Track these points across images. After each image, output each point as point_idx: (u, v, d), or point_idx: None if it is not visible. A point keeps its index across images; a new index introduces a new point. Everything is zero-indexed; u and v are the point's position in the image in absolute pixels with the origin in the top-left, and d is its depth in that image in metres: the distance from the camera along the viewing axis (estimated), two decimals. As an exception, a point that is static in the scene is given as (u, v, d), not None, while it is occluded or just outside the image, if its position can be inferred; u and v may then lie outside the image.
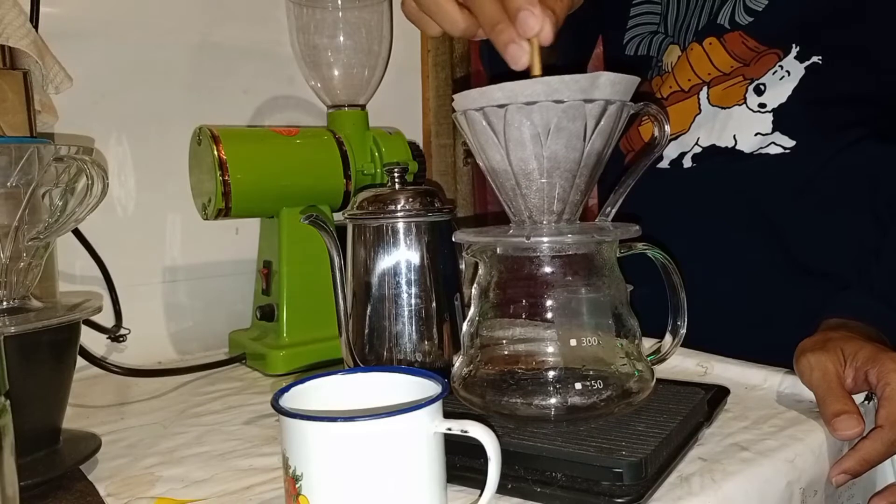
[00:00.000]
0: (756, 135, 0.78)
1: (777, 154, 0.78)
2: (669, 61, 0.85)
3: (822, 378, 0.59)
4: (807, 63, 0.76)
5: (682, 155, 0.84)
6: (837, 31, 0.75)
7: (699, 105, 0.82)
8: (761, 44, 0.77)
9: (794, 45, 0.76)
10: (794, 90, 0.77)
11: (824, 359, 0.60)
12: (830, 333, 0.64)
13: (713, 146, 0.81)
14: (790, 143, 0.77)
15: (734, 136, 0.80)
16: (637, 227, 0.53)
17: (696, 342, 0.67)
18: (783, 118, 0.77)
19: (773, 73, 0.77)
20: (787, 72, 0.77)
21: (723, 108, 0.80)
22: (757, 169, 0.78)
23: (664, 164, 0.85)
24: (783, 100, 0.77)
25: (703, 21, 0.81)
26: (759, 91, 0.78)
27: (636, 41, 0.89)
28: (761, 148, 0.78)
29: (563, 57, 0.87)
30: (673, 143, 0.84)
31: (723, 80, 0.80)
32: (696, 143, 0.83)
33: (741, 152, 0.79)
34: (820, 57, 0.76)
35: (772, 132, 0.78)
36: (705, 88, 0.81)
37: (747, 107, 0.79)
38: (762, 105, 0.78)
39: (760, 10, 0.76)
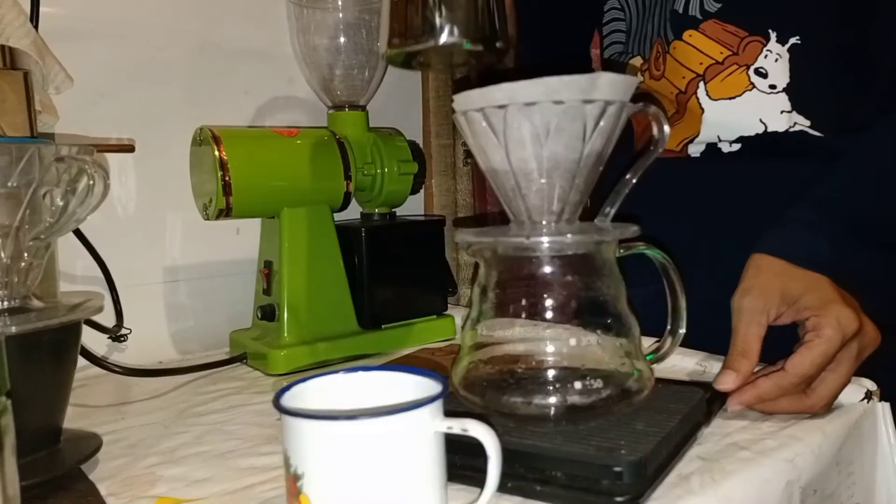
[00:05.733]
0: (782, 112, 0.77)
1: (803, 132, 0.76)
2: (654, 64, 0.85)
3: (743, 335, 0.61)
4: (787, 46, 0.76)
5: (713, 147, 0.82)
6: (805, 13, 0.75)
7: (700, 104, 0.81)
8: (740, 28, 0.77)
9: (770, 31, 0.76)
10: (791, 70, 0.76)
11: (757, 308, 0.61)
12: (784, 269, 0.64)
13: (741, 138, 0.79)
14: (805, 122, 0.76)
15: (761, 120, 0.78)
16: (636, 227, 0.53)
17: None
18: (795, 96, 0.76)
19: (766, 58, 0.77)
20: (778, 55, 0.76)
21: (731, 98, 0.79)
22: (797, 146, 0.76)
23: (697, 156, 0.83)
24: (788, 80, 0.76)
25: (663, 20, 0.81)
26: (761, 74, 0.77)
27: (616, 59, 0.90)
28: (790, 128, 0.77)
29: (553, 52, 0.87)
30: (691, 145, 0.83)
31: (718, 69, 0.79)
32: (721, 140, 0.81)
33: (776, 132, 0.78)
34: (798, 38, 0.75)
35: (791, 110, 0.77)
36: (702, 85, 0.80)
37: (758, 90, 0.77)
38: (772, 86, 0.77)
39: None
